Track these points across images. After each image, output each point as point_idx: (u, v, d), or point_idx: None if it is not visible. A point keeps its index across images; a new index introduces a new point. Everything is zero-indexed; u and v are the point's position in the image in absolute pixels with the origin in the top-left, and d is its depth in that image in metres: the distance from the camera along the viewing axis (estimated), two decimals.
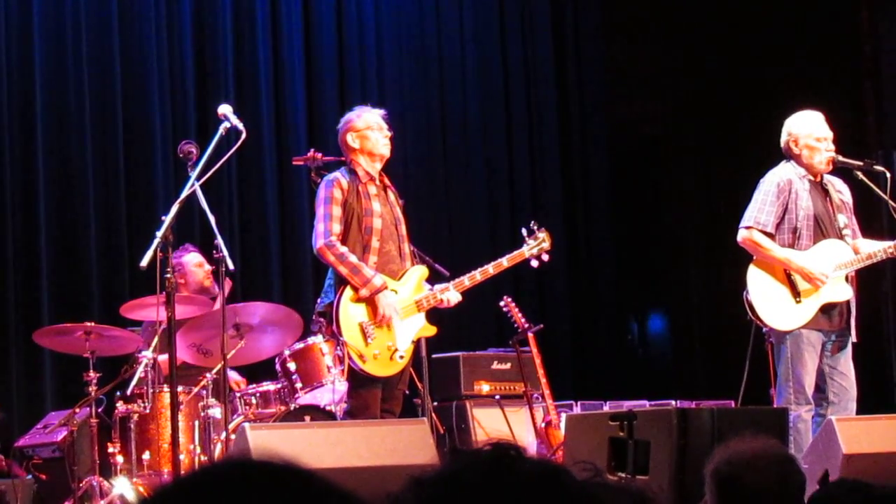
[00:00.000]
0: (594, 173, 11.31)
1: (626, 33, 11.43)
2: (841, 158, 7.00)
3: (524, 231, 7.04)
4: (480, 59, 10.92)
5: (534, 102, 11.12)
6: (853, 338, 6.85)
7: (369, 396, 6.47)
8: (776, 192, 6.87)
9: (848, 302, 6.87)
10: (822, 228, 6.88)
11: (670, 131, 11.59)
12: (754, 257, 6.92)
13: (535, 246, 6.99)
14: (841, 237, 6.90)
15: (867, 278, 7.26)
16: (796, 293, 6.82)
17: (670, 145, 11.57)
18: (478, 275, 6.76)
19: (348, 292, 6.47)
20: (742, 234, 6.93)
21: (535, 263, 7.05)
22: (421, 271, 6.72)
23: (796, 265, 6.80)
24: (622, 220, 11.26)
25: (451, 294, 6.67)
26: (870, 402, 7.33)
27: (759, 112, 9.92)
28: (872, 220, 8.05)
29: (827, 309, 6.83)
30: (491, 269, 6.79)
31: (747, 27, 10.94)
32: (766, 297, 6.84)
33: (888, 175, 6.94)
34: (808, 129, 6.94)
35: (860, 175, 7.01)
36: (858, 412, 6.74)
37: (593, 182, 11.30)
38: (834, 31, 10.60)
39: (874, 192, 7.00)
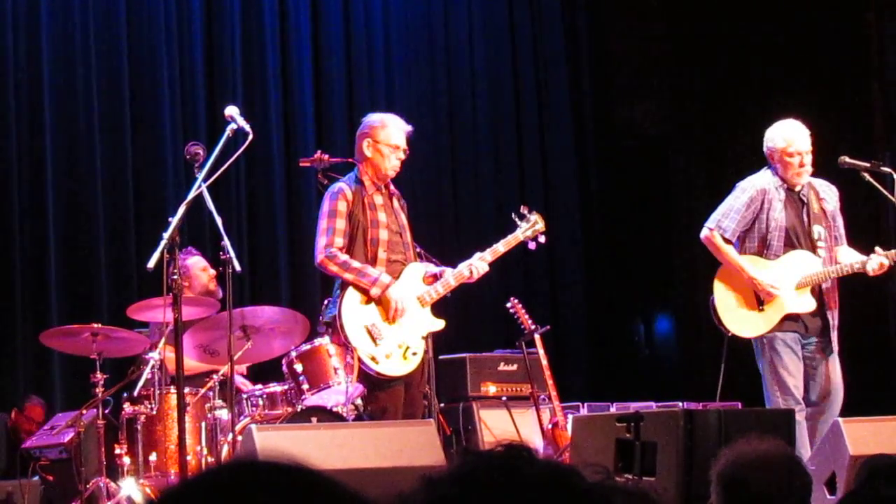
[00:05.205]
0: (601, 175, 11.29)
1: (632, 35, 11.41)
2: (848, 160, 6.98)
3: (515, 216, 6.97)
4: (490, 59, 10.91)
5: (545, 104, 11.09)
6: (834, 347, 6.79)
7: (386, 398, 6.46)
8: (746, 201, 6.84)
9: (824, 311, 6.81)
10: (794, 240, 6.83)
11: (677, 133, 11.57)
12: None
13: (529, 228, 6.91)
14: (814, 249, 6.85)
15: (872, 280, 7.20)
16: (759, 301, 6.80)
17: (678, 147, 11.55)
18: (467, 268, 6.70)
19: (348, 298, 6.47)
20: (704, 233, 6.97)
21: (532, 246, 6.97)
22: (416, 268, 6.69)
23: (748, 275, 6.79)
24: (629, 221, 11.24)
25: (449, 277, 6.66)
26: (876, 403, 7.30)
27: (766, 113, 9.89)
28: (878, 221, 8.04)
29: (792, 318, 6.79)
30: (488, 255, 6.76)
31: (753, 28, 10.92)
32: (729, 304, 6.86)
33: (895, 176, 6.92)
34: (783, 142, 6.87)
35: (867, 176, 6.98)
36: (866, 413, 6.71)
37: (600, 184, 11.28)
38: (840, 32, 10.57)
39: (881, 194, 6.98)
